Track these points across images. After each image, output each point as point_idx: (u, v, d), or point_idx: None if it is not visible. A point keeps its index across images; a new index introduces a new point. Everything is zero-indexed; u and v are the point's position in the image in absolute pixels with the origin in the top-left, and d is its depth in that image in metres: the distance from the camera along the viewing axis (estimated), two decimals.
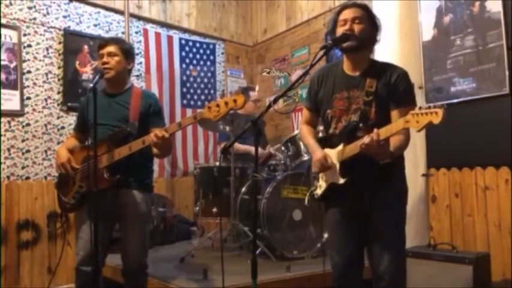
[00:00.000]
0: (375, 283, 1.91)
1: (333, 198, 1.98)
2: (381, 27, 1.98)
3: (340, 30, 1.93)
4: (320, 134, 2.22)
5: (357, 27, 1.90)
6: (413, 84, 2.09)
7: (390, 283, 1.86)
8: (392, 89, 1.89)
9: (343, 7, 1.98)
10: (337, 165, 1.86)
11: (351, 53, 1.96)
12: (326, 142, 1.97)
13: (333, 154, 1.89)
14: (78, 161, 2.34)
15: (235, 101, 1.98)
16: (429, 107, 1.49)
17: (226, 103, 2.00)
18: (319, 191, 1.98)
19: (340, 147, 1.86)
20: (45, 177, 3.81)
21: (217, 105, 2.02)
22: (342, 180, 1.84)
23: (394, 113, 1.85)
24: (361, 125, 1.81)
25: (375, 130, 1.66)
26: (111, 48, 2.36)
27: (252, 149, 3.67)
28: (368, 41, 1.95)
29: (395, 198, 1.92)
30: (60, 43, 3.98)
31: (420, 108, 1.53)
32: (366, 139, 1.67)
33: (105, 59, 2.36)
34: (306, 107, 2.17)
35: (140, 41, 4.55)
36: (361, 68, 1.96)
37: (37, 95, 3.84)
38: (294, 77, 4.76)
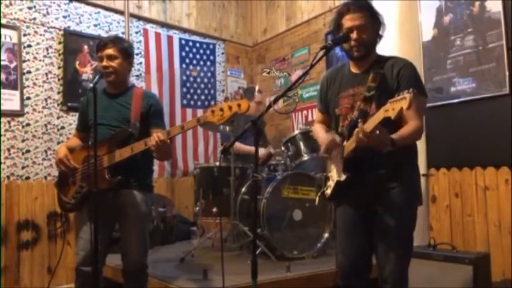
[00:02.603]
0: (381, 284, 1.90)
1: (341, 197, 1.98)
2: (384, 24, 1.96)
3: (350, 34, 1.90)
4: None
5: (365, 36, 1.89)
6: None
7: (395, 286, 1.85)
8: (396, 82, 1.86)
9: (346, 9, 1.92)
10: (342, 162, 1.86)
11: (360, 61, 1.96)
12: None
13: (340, 152, 1.88)
14: (79, 161, 2.34)
15: (239, 105, 1.98)
16: (403, 93, 1.51)
17: (230, 107, 2.00)
18: (329, 191, 1.97)
19: (344, 144, 1.85)
20: (45, 177, 3.81)
21: (221, 109, 2.02)
22: (343, 177, 1.83)
23: None
24: (359, 121, 1.80)
25: (360, 124, 1.65)
26: (110, 51, 2.35)
27: (253, 149, 3.67)
28: (374, 42, 1.95)
29: (404, 199, 1.87)
30: (60, 43, 3.98)
31: (398, 95, 1.54)
32: (355, 133, 1.67)
33: (105, 63, 2.34)
34: (317, 109, 2.20)
35: (140, 41, 4.55)
36: (366, 65, 1.96)
37: (37, 95, 3.84)
38: (294, 77, 4.77)
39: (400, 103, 1.50)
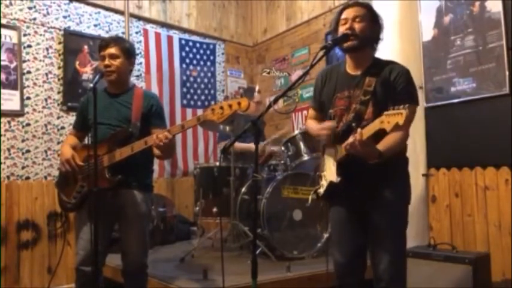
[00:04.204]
0: (375, 283, 1.91)
1: (335, 197, 1.99)
2: (383, 25, 1.98)
3: (341, 30, 1.93)
4: None
5: (357, 26, 1.90)
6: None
7: (389, 283, 1.86)
8: (391, 87, 1.88)
9: (345, 6, 1.98)
10: (335, 164, 1.88)
11: (352, 53, 1.96)
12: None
13: (333, 153, 1.90)
14: (80, 160, 2.34)
15: (239, 103, 1.98)
16: (398, 108, 1.54)
17: (230, 106, 2.00)
18: (322, 190, 1.99)
19: (338, 146, 1.86)
20: (45, 177, 3.81)
21: (221, 108, 2.02)
22: (337, 179, 1.85)
23: None
24: (353, 124, 1.81)
25: (358, 130, 1.68)
26: (112, 50, 2.35)
27: (251, 146, 3.67)
28: (369, 39, 1.94)
29: (395, 198, 1.90)
30: (60, 43, 3.98)
31: (393, 108, 1.56)
32: (350, 139, 1.70)
33: (107, 62, 2.34)
34: (311, 106, 2.21)
35: (140, 41, 4.55)
36: (363, 67, 1.96)
37: (37, 95, 3.84)
38: (294, 77, 4.77)
39: (396, 118, 1.54)
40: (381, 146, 1.76)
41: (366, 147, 1.68)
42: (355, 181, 1.85)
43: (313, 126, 2.09)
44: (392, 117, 1.55)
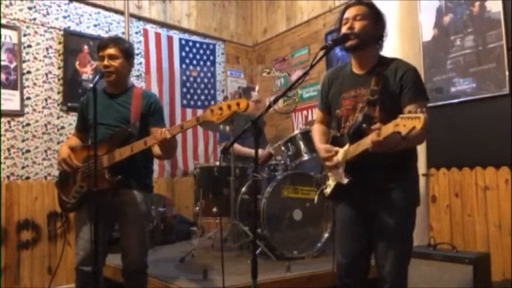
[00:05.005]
0: (379, 283, 1.91)
1: (341, 197, 1.99)
2: (386, 23, 1.97)
3: (343, 29, 1.93)
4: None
5: (358, 24, 1.89)
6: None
7: (392, 285, 1.86)
8: (399, 87, 1.86)
9: (348, 5, 1.97)
10: (343, 165, 1.86)
11: (355, 52, 1.96)
12: (337, 142, 1.95)
13: (341, 153, 1.88)
14: (79, 161, 2.33)
15: (238, 104, 1.99)
16: (415, 111, 1.51)
17: (229, 106, 2.01)
18: (328, 190, 1.98)
19: (346, 147, 1.85)
20: (45, 177, 3.81)
21: (220, 109, 2.03)
22: (345, 181, 1.83)
23: (407, 110, 1.76)
24: (364, 125, 1.80)
25: (377, 125, 1.63)
26: (111, 51, 2.35)
27: (252, 152, 3.67)
28: (370, 37, 1.93)
29: (402, 200, 1.88)
30: (60, 43, 3.98)
31: (410, 112, 1.54)
32: (370, 140, 1.65)
33: (106, 62, 2.34)
34: (318, 108, 2.21)
35: (140, 41, 4.55)
36: (368, 66, 1.95)
37: (37, 95, 3.84)
38: (294, 77, 4.77)
39: (413, 122, 1.49)
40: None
41: (386, 144, 1.62)
42: (363, 181, 1.83)
43: (317, 139, 2.09)
44: (408, 121, 1.50)
